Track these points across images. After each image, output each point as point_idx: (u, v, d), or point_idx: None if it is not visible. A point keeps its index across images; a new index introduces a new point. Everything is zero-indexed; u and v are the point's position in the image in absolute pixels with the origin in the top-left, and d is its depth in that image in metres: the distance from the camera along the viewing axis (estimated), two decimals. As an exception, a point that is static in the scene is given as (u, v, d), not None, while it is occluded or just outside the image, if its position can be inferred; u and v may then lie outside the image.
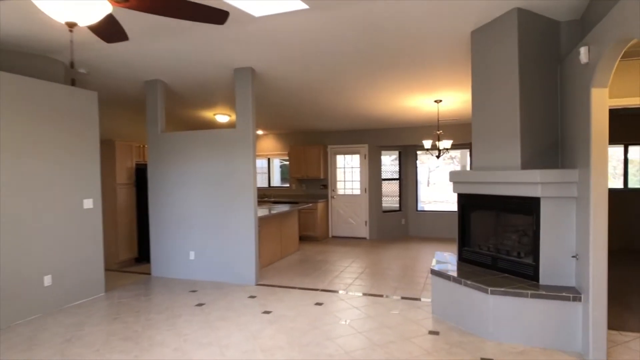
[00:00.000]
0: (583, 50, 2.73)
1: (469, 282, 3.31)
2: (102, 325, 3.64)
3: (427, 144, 6.05)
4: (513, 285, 3.11)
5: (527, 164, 3.36)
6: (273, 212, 6.23)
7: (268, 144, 9.47)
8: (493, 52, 3.57)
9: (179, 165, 5.32)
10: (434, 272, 3.75)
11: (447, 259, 4.23)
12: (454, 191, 4.07)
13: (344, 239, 8.55)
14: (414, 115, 7.08)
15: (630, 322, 3.43)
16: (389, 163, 9.06)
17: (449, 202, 13.99)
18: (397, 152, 8.86)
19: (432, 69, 4.65)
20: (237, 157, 4.97)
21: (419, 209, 8.86)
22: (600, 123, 2.67)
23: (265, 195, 9.31)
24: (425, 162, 10.68)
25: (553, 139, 3.44)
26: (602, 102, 2.67)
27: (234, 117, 7.36)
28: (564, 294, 2.90)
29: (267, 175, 9.74)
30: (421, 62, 4.42)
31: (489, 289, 3.10)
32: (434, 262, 4.10)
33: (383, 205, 8.62)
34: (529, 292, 2.98)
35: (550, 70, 3.45)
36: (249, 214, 4.93)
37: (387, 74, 4.88)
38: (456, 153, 15.96)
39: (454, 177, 4.01)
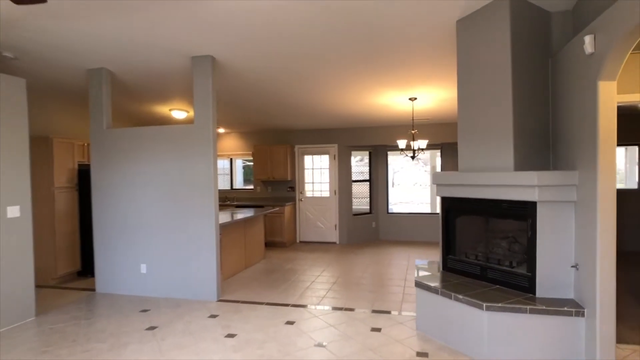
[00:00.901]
0: (588, 39, 2.47)
1: (460, 296, 2.99)
2: (26, 361, 3.01)
3: (402, 143, 5.78)
4: (509, 300, 2.82)
5: (520, 166, 3.10)
6: (237, 217, 5.71)
7: (230, 143, 8.90)
8: (482, 43, 3.29)
9: (128, 165, 4.70)
10: (419, 285, 3.42)
11: (429, 267, 3.92)
12: (437, 194, 3.77)
13: (313, 244, 8.14)
14: (386, 113, 6.80)
15: (625, 334, 3.25)
16: (359, 164, 8.76)
17: (414, 203, 14.00)
18: (367, 153, 8.56)
19: (410, 62, 4.34)
20: (195, 157, 4.43)
21: (389, 211, 8.61)
22: (608, 120, 2.42)
23: (228, 199, 8.73)
24: (390, 163, 10.50)
25: (544, 139, 3.21)
26: (610, 96, 2.42)
27: (192, 113, 6.75)
28: (565, 308, 2.63)
29: (229, 176, 9.15)
30: (398, 54, 4.09)
31: (484, 304, 2.79)
32: (416, 271, 3.78)
33: (353, 207, 8.30)
34: (528, 307, 2.70)
35: (541, 64, 3.21)
36: (209, 220, 4.40)
37: (360, 68, 4.53)
38: (423, 154, 16.02)
39: (438, 179, 3.71)
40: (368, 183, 8.58)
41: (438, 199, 3.85)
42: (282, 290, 4.79)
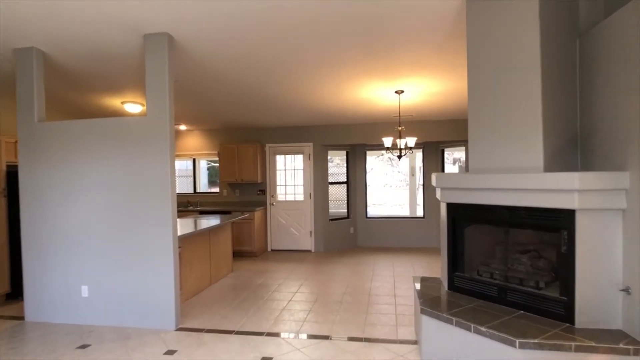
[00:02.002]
0: (652, 6, 1.97)
1: (483, 328, 2.42)
2: None
3: (387, 141, 5.22)
4: (546, 334, 2.28)
5: (549, 166, 2.58)
6: (200, 226, 4.95)
7: (193, 141, 8.05)
8: (501, 21, 2.75)
9: (65, 166, 3.85)
10: (426, 312, 2.83)
11: (429, 286, 3.35)
12: (442, 199, 3.20)
13: (286, 252, 7.45)
14: (368, 109, 6.23)
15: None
16: (335, 165, 8.15)
17: (387, 205, 13.61)
18: (344, 153, 7.98)
19: (402, 47, 3.77)
20: (148, 155, 3.66)
21: (368, 215, 8.06)
22: (680, 107, 1.92)
23: (190, 203, 7.88)
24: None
25: (572, 133, 2.72)
26: (683, 77, 1.92)
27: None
28: (621, 345, 2.12)
29: (192, 179, 8.30)
30: (389, 37, 3.51)
31: (517, 340, 2.23)
32: (416, 294, 3.19)
33: (329, 212, 7.68)
34: (573, 343, 2.17)
35: (569, 44, 2.72)
36: (166, 231, 3.64)
37: (344, 55, 3.92)
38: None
39: (442, 182, 3.14)
40: (345, 185, 7.99)
41: (443, 206, 3.29)
42: (254, 313, 4.09)
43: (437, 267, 6.01)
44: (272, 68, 4.34)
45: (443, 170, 7.68)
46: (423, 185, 7.89)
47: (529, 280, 2.73)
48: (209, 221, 5.53)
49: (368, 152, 8.02)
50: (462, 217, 3.11)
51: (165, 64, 3.58)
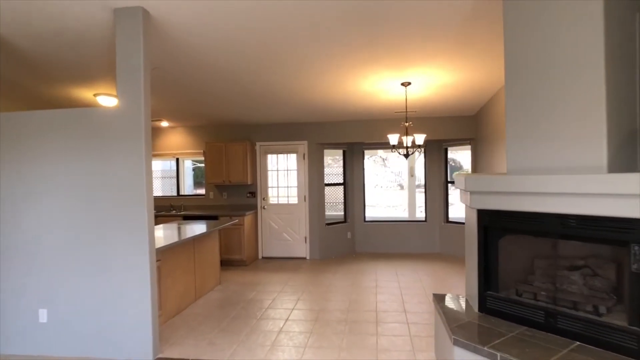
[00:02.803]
0: None
1: (540, 369, 1.95)
2: None
3: (393, 138, 4.75)
4: (624, 377, 1.82)
5: (613, 165, 2.13)
6: (184, 234, 4.40)
7: (176, 139, 7.46)
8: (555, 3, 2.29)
9: (19, 166, 3.27)
10: (461, 343, 2.34)
11: (454, 306, 2.88)
12: (472, 205, 2.73)
13: (279, 260, 6.92)
14: (368, 104, 5.75)
15: None
16: (330, 164, 7.66)
17: (381, 207, 13.21)
18: (340, 152, 7.49)
19: (412, 30, 3.29)
20: (120, 153, 3.11)
21: (366, 219, 7.58)
22: None
23: (173, 207, 7.29)
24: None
25: (632, 125, 2.27)
26: None
27: (124, 99, 5.33)
28: None
29: (175, 180, 7.71)
30: (402, 18, 3.03)
31: (591, 388, 1.76)
32: (440, 317, 2.71)
33: (325, 216, 7.18)
34: (663, 392, 1.70)
35: (630, 18, 2.27)
36: (140, 243, 3.10)
37: (344, 38, 3.43)
38: (388, 153, 15.29)
39: (474, 184, 2.67)
40: (342, 187, 7.51)
41: (471, 213, 2.81)
42: (247, 336, 3.56)
43: (444, 276, 5.56)
44: (263, 55, 3.83)
45: (446, 171, 7.25)
46: (425, 186, 7.45)
47: (585, 304, 2.27)
48: (194, 228, 4.98)
49: (372, 151, 7.54)
50: (497, 225, 2.64)
51: (139, 43, 3.03)
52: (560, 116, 2.30)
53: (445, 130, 6.66)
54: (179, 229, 4.99)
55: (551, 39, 2.34)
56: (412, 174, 9.82)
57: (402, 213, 13.26)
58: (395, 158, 15.91)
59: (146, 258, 3.10)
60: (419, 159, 8.06)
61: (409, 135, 4.87)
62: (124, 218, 3.10)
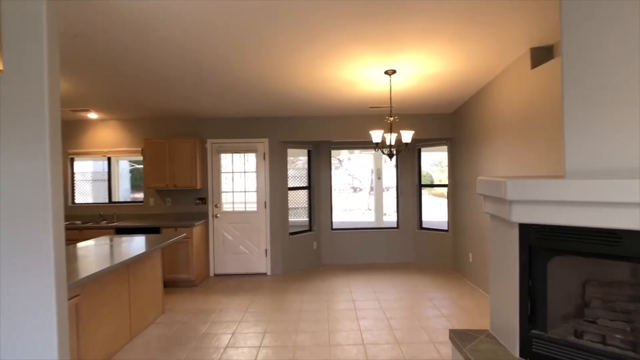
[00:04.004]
0: None
1: None
2: None
3: (376, 135, 4.08)
4: None
5: None
6: (117, 256, 3.43)
7: (108, 135, 6.31)
8: None
9: None
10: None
11: (489, 351, 2.24)
12: (513, 218, 2.10)
13: (235, 277, 6.02)
14: (346, 96, 5.06)
15: None
16: (293, 166, 6.88)
17: (337, 211, 12.62)
18: (304, 151, 6.74)
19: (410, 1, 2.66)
20: (7, 145, 2.14)
21: (334, 226, 6.89)
22: None
23: (104, 217, 6.14)
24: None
25: None
26: None
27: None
28: None
29: (106, 184, 6.53)
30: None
31: None
32: (479, 367, 2.06)
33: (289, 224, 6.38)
34: None
35: None
36: (43, 275, 2.14)
37: (332, 12, 2.72)
38: (350, 154, 14.77)
39: (517, 191, 2.05)
40: (307, 191, 6.76)
41: (510, 230, 2.18)
42: (203, 394, 2.70)
43: (425, 291, 4.99)
44: (213, 31, 3.00)
45: (419, 173, 6.74)
46: (397, 190, 6.89)
47: (686, 354, 1.70)
48: (130, 246, 3.99)
49: (338, 150, 6.86)
50: (547, 244, 2.03)
51: (41, -16, 2.09)
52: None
53: (422, 129, 6.12)
54: (111, 247, 3.98)
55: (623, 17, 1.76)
56: (379, 176, 9.29)
57: (360, 217, 12.79)
58: (351, 159, 15.42)
59: (51, 298, 2.15)
60: (388, 160, 7.51)
61: (393, 132, 4.23)
62: (15, 241, 2.13)
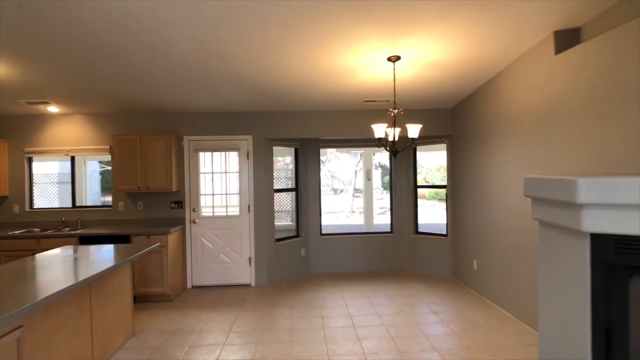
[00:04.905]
0: None
1: None
2: None
3: (379, 129, 3.61)
4: None
5: None
6: (77, 273, 2.84)
7: (72, 131, 5.62)
8: None
9: None
10: None
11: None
12: (586, 227, 1.66)
13: (215, 290, 5.43)
14: (339, 87, 4.58)
15: None
16: (277, 165, 6.35)
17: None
18: (290, 149, 6.23)
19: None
20: None
21: (323, 232, 6.39)
22: None
23: (66, 224, 5.46)
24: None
25: None
26: None
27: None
28: None
29: (70, 186, 5.83)
30: None
31: None
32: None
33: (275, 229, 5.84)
34: None
35: None
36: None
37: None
38: (337, 153, 14.30)
39: (592, 192, 1.61)
40: (294, 193, 6.24)
41: (573, 241, 1.74)
42: None
43: (428, 303, 4.55)
44: (202, 14, 2.48)
45: (415, 174, 6.33)
46: (391, 192, 6.46)
47: None
48: (93, 259, 3.39)
49: (316, 150, 6.37)
50: (630, 261, 1.60)
51: None
52: None
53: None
54: (72, 260, 3.37)
55: None
56: (368, 177, 8.86)
57: (344, 220, 12.35)
58: (331, 160, 14.97)
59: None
60: (381, 159, 7.10)
61: (396, 126, 3.77)
62: None
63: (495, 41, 3.48)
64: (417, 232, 6.27)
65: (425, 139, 5.99)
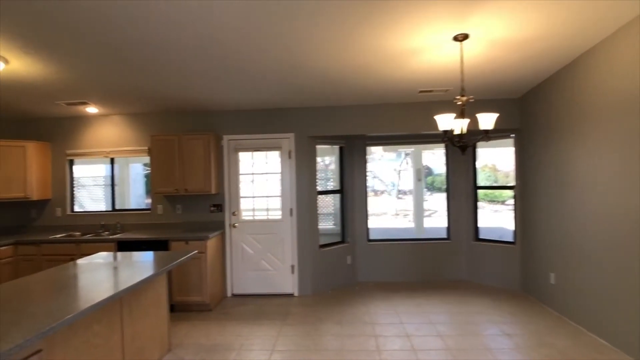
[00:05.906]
0: None
1: None
2: None
3: (443, 120, 3.10)
4: None
5: None
6: (110, 286, 2.57)
7: (111, 132, 5.51)
8: None
9: None
10: None
11: None
12: None
13: (256, 299, 5.11)
14: (396, 71, 4.08)
15: None
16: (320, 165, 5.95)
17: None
18: (336, 148, 5.81)
19: None
20: None
21: (370, 237, 5.91)
22: None
23: (106, 228, 5.34)
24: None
25: None
26: None
27: (15, 62, 3.41)
28: None
29: (110, 189, 5.72)
30: None
31: None
32: None
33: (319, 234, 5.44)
34: None
35: None
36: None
37: None
38: (383, 153, 13.80)
39: None
40: (339, 195, 5.82)
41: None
42: None
43: (497, 320, 3.96)
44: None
45: (475, 173, 5.71)
46: (448, 194, 5.87)
47: None
48: (128, 267, 3.12)
49: (363, 148, 5.91)
50: None
51: None
52: None
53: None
54: (108, 269, 3.13)
55: None
56: (419, 177, 8.28)
57: (388, 224, 11.75)
58: (374, 159, 14.38)
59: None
60: (432, 157, 6.52)
61: (463, 117, 3.25)
62: None
63: (585, 13, 2.87)
64: (477, 239, 5.65)
65: (490, 133, 5.36)
